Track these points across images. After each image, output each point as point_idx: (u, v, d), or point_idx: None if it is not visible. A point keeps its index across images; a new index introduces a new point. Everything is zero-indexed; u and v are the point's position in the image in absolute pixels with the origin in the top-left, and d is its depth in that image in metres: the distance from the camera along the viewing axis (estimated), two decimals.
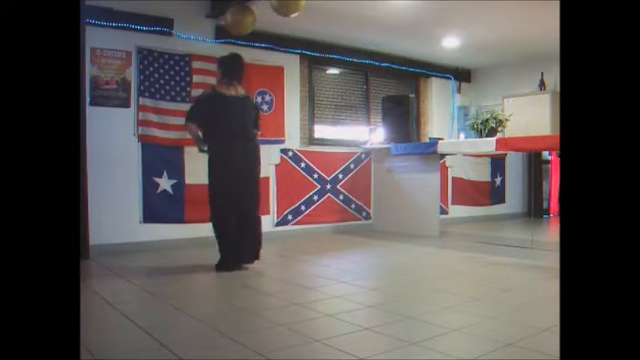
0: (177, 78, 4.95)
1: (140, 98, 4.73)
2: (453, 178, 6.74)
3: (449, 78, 7.41)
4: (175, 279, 3.57)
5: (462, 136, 7.02)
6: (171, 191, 4.90)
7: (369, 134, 6.65)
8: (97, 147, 4.42)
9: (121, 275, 3.62)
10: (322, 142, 6.16)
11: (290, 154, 5.72)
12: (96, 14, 4.43)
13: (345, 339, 2.24)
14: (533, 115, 6.47)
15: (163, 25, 4.86)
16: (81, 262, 3.97)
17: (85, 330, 2.19)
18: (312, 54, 5.98)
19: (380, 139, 6.35)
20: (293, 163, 5.74)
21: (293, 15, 4.12)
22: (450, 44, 6.13)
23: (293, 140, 5.77)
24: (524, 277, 3.64)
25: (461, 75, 7.54)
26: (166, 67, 4.89)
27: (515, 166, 7.41)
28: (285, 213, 5.67)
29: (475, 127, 5.41)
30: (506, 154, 6.92)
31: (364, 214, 6.37)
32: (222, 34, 5.13)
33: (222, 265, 3.78)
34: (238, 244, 3.82)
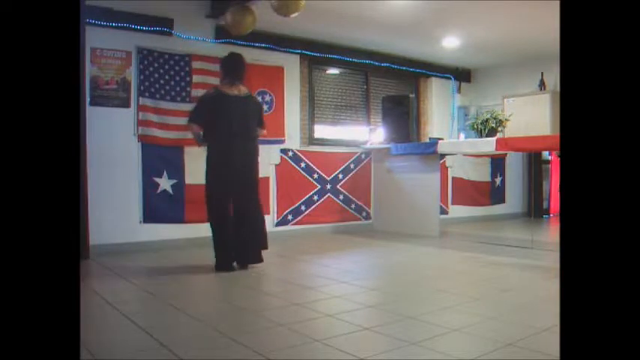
0: (177, 78, 4.95)
1: (140, 98, 4.73)
2: (453, 178, 6.74)
3: (449, 78, 7.41)
4: (175, 279, 3.57)
5: (462, 136, 7.03)
6: (171, 191, 4.90)
7: (369, 134, 6.65)
8: (97, 147, 4.42)
9: (121, 275, 3.62)
10: (322, 142, 6.16)
11: (290, 154, 5.72)
12: (96, 14, 4.43)
13: (345, 339, 2.24)
14: (533, 115, 6.47)
15: (163, 25, 4.86)
16: (81, 262, 3.97)
17: (85, 330, 2.19)
18: (312, 54, 5.98)
19: (380, 139, 6.35)
20: (293, 163, 5.74)
21: (293, 15, 4.12)
22: (450, 44, 6.13)
23: (293, 140, 5.77)
24: (524, 277, 3.64)
25: (461, 75, 7.54)
26: (166, 67, 4.89)
27: (515, 166, 7.41)
28: (285, 213, 5.67)
29: (475, 127, 5.41)
30: (506, 154, 6.92)
31: (364, 214, 6.37)
32: (222, 34, 5.13)
33: (220, 266, 3.78)
34: (238, 244, 3.82)
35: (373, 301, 2.97)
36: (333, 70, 6.46)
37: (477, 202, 7.01)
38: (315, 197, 5.91)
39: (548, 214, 7.44)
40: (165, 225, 4.88)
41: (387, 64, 6.69)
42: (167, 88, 4.88)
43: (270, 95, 5.57)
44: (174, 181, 4.92)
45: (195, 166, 4.99)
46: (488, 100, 7.21)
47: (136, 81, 4.72)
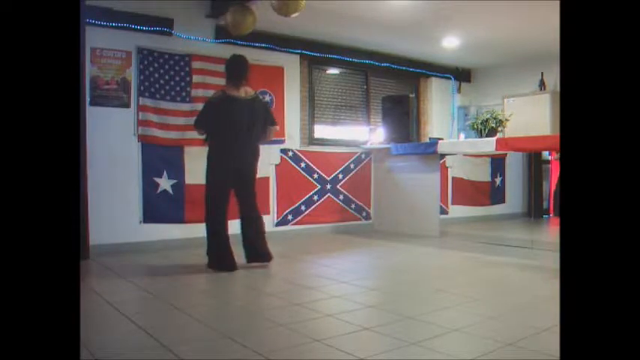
0: (177, 78, 4.95)
1: (140, 98, 4.73)
2: (453, 178, 6.74)
3: (449, 78, 7.41)
4: (175, 279, 3.57)
5: (462, 136, 7.02)
6: (171, 191, 4.90)
7: (369, 134, 6.65)
8: (97, 147, 4.42)
9: (121, 275, 3.62)
10: (322, 142, 6.16)
11: (290, 154, 5.72)
12: (96, 14, 4.43)
13: (345, 339, 2.24)
14: (533, 115, 6.47)
15: (163, 25, 4.86)
16: (81, 262, 3.97)
17: (85, 330, 2.19)
18: (312, 54, 5.98)
19: (380, 139, 6.35)
20: (293, 163, 5.74)
21: (293, 15, 4.12)
22: (450, 44, 6.13)
23: (293, 140, 5.77)
24: (524, 277, 3.64)
25: (461, 75, 7.54)
26: (166, 67, 4.89)
27: (515, 166, 7.41)
28: (285, 213, 5.67)
29: (475, 127, 5.41)
30: (506, 154, 6.92)
31: (364, 214, 6.37)
32: (222, 34, 5.13)
33: (212, 265, 3.81)
34: (248, 244, 3.89)
35: (373, 301, 2.97)
36: (333, 70, 6.46)
37: (477, 202, 7.01)
38: (315, 197, 5.91)
39: (548, 214, 7.44)
40: (165, 225, 4.87)
41: (387, 64, 6.69)
42: (167, 88, 4.88)
43: (270, 95, 5.57)
44: (174, 181, 4.92)
45: (195, 166, 4.99)
46: (488, 100, 7.21)
47: (136, 81, 4.72)
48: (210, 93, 5.06)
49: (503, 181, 7.27)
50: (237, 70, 3.93)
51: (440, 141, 5.60)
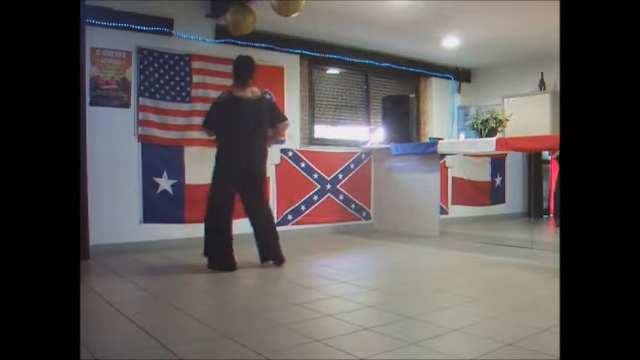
0: (177, 78, 4.95)
1: (140, 98, 4.73)
2: (453, 178, 6.74)
3: (449, 78, 7.41)
4: (175, 279, 3.57)
5: (462, 136, 7.03)
6: (171, 191, 4.90)
7: (369, 134, 6.65)
8: (97, 147, 4.42)
9: (121, 275, 3.62)
10: (322, 142, 6.16)
11: (290, 154, 5.72)
12: (96, 14, 4.43)
13: (345, 339, 2.24)
14: (533, 115, 6.47)
15: (163, 25, 4.86)
16: (81, 262, 3.97)
17: (85, 330, 2.19)
18: (312, 54, 5.98)
19: (380, 139, 6.35)
20: (293, 163, 5.74)
21: (293, 15, 4.12)
22: (450, 44, 6.13)
23: (293, 140, 5.77)
24: (524, 277, 3.64)
25: (461, 75, 7.54)
26: (166, 67, 4.89)
27: (515, 166, 7.41)
28: (285, 213, 5.67)
29: (475, 127, 5.41)
30: (506, 154, 6.92)
31: (364, 214, 6.37)
32: (222, 34, 5.13)
33: (212, 264, 3.82)
34: (262, 245, 3.94)
35: (373, 301, 2.97)
36: (333, 70, 6.46)
37: (477, 202, 7.01)
38: (315, 197, 5.91)
39: (548, 214, 7.44)
40: (165, 225, 4.87)
41: (387, 64, 6.69)
42: (167, 88, 4.88)
43: (270, 95, 5.56)
44: (174, 181, 4.92)
45: (195, 166, 5.00)
46: (488, 100, 7.21)
47: (136, 81, 4.72)
48: (210, 93, 5.09)
49: (503, 181, 7.27)
50: (243, 70, 3.97)
51: (440, 141, 5.60)
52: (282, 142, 5.65)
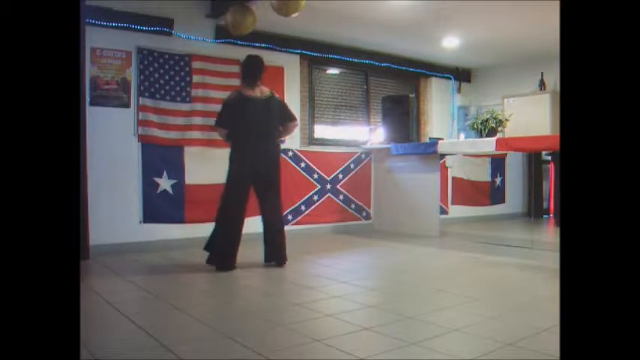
0: (177, 78, 4.95)
1: (140, 98, 4.73)
2: (453, 178, 6.74)
3: (449, 78, 7.41)
4: (175, 279, 3.57)
5: (462, 136, 7.02)
6: (171, 191, 4.90)
7: (369, 134, 6.65)
8: (97, 147, 4.42)
9: (121, 275, 3.62)
10: (322, 142, 6.16)
11: (290, 154, 5.71)
12: (96, 14, 4.43)
13: (345, 339, 2.24)
14: (533, 115, 6.47)
15: (163, 25, 4.86)
16: (81, 262, 3.97)
17: (85, 330, 2.19)
18: (312, 54, 5.98)
19: (380, 139, 6.34)
20: (293, 163, 5.74)
21: (293, 15, 4.12)
22: (450, 44, 6.13)
23: (293, 140, 5.76)
24: (524, 277, 3.64)
25: (461, 75, 7.54)
26: (166, 67, 4.89)
27: (515, 166, 7.41)
28: (285, 213, 5.66)
29: (475, 127, 5.41)
30: (506, 154, 6.92)
31: (364, 214, 6.36)
32: (222, 34, 5.13)
33: (212, 261, 3.84)
34: (270, 245, 3.96)
35: (373, 301, 2.97)
36: (333, 70, 6.46)
37: (477, 202, 7.01)
38: (315, 197, 5.91)
39: (548, 214, 7.44)
40: (165, 225, 4.87)
41: (387, 64, 6.69)
42: (167, 88, 4.88)
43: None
44: (174, 181, 4.92)
45: (196, 166, 5.00)
46: (488, 100, 7.21)
47: (136, 81, 4.72)
48: (210, 93, 5.10)
49: (503, 181, 7.27)
50: (252, 70, 3.98)
51: (440, 141, 5.60)
52: (283, 142, 5.64)
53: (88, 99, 4.43)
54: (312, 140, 6.07)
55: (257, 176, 3.91)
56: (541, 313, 2.64)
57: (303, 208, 5.80)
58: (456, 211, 6.75)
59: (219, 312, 2.79)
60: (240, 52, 5.29)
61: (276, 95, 4.13)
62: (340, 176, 6.13)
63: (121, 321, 2.53)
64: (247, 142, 3.86)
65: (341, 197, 6.13)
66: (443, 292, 3.12)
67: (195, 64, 5.03)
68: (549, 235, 6.13)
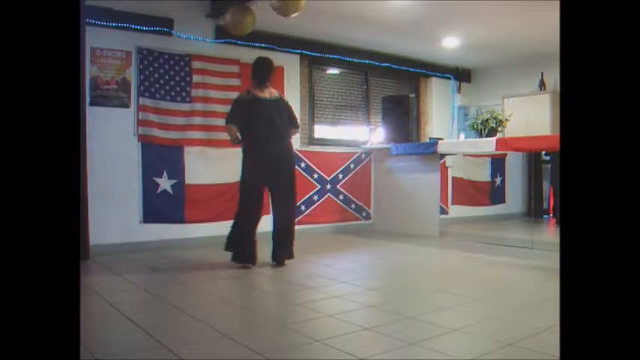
0: (178, 78, 4.95)
1: (140, 98, 4.73)
2: (453, 178, 6.73)
3: (449, 78, 7.41)
4: (175, 279, 3.57)
5: (462, 136, 7.02)
6: (171, 191, 4.90)
7: (369, 134, 6.65)
8: (97, 147, 4.42)
9: (121, 275, 3.62)
10: (322, 142, 6.16)
11: None
12: (96, 14, 4.43)
13: (345, 339, 2.24)
14: (533, 115, 6.47)
15: (163, 25, 4.86)
16: (81, 262, 3.97)
17: (85, 330, 2.19)
18: (312, 54, 5.98)
19: (380, 139, 6.34)
20: None
21: (293, 15, 4.12)
22: (450, 44, 6.13)
23: (293, 140, 5.75)
24: (524, 277, 3.64)
25: (461, 75, 7.54)
26: (166, 67, 4.89)
27: (515, 166, 7.41)
28: None
29: (475, 127, 5.41)
30: (506, 154, 6.91)
31: (364, 214, 6.36)
32: (222, 34, 5.13)
33: (238, 258, 3.89)
34: (275, 243, 3.99)
35: (373, 301, 2.97)
36: (333, 70, 6.46)
37: (477, 202, 7.00)
38: (315, 197, 5.91)
39: (548, 214, 7.44)
40: (165, 225, 4.87)
41: (387, 64, 6.69)
42: (167, 88, 4.88)
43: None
44: (174, 181, 4.92)
45: (195, 166, 5.00)
46: (488, 100, 7.20)
47: (136, 81, 4.72)
48: (210, 93, 5.10)
49: (503, 181, 7.26)
50: (262, 71, 4.02)
51: (440, 141, 5.60)
52: None
53: (88, 99, 4.43)
54: (312, 140, 6.07)
55: (272, 175, 3.95)
56: (541, 313, 2.64)
57: (303, 208, 5.79)
58: (456, 211, 6.74)
59: (219, 312, 2.79)
60: (240, 52, 5.31)
61: (285, 98, 4.18)
62: (340, 176, 6.13)
63: (121, 321, 2.53)
64: (261, 141, 3.89)
65: (341, 197, 6.13)
66: (443, 292, 3.12)
67: (195, 64, 5.03)
68: (549, 235, 6.13)
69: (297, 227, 5.63)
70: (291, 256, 4.02)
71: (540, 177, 7.35)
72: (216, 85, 5.14)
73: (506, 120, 5.49)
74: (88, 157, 4.30)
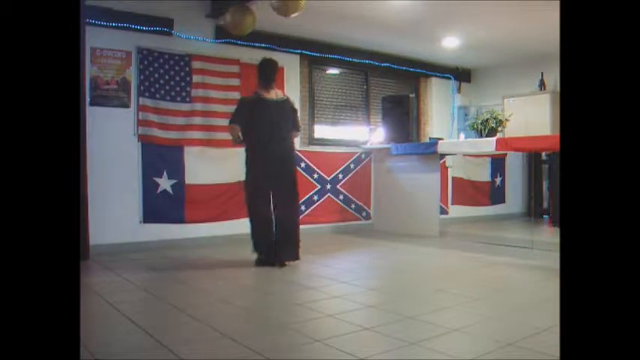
0: (178, 78, 4.95)
1: (140, 98, 4.73)
2: (453, 178, 6.73)
3: (449, 78, 7.41)
4: (175, 279, 3.57)
5: (462, 136, 7.02)
6: (171, 191, 4.90)
7: (369, 134, 6.65)
8: (97, 147, 4.42)
9: (121, 275, 3.62)
10: (322, 142, 6.16)
11: None
12: (96, 14, 4.43)
13: (345, 339, 2.24)
14: (533, 115, 6.47)
15: (163, 25, 4.86)
16: (81, 262, 3.97)
17: (85, 330, 2.19)
18: (312, 54, 5.98)
19: (380, 139, 6.34)
20: None
21: (293, 15, 4.12)
22: (450, 44, 6.13)
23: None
24: (524, 277, 3.64)
25: (461, 75, 7.54)
26: (166, 67, 4.89)
27: (515, 166, 7.41)
28: None
29: (475, 127, 5.41)
30: (506, 154, 6.91)
31: (364, 214, 6.36)
32: (222, 34, 5.13)
33: (262, 261, 3.93)
34: (276, 243, 3.98)
35: (373, 301, 2.97)
36: (333, 70, 6.46)
37: (477, 202, 7.00)
38: (315, 197, 5.91)
39: (548, 214, 7.43)
40: (165, 225, 4.87)
41: (387, 64, 6.69)
42: (167, 88, 4.88)
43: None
44: (174, 181, 4.92)
45: (195, 166, 5.00)
46: (488, 100, 7.21)
47: (136, 81, 4.72)
48: (210, 93, 5.10)
49: (503, 181, 7.26)
50: (267, 72, 4.05)
51: (440, 141, 5.60)
52: None
53: (88, 99, 4.43)
54: (312, 140, 6.07)
55: (274, 177, 3.97)
56: (541, 313, 2.64)
57: (303, 208, 5.78)
58: (456, 211, 6.74)
59: (219, 312, 2.79)
60: (240, 52, 5.31)
61: (291, 100, 4.20)
62: (340, 176, 6.13)
63: (121, 321, 2.53)
64: (266, 142, 3.91)
65: (341, 197, 6.13)
66: (443, 292, 3.12)
67: (196, 64, 5.03)
68: (549, 235, 6.13)
69: None
70: (296, 257, 4.00)
71: (540, 177, 7.35)
72: (216, 85, 5.14)
73: (506, 120, 5.49)
74: (88, 157, 4.30)
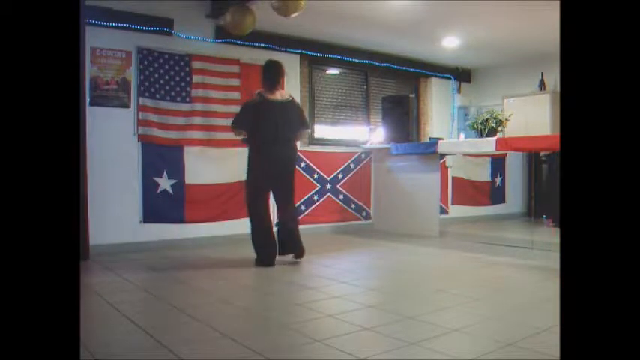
0: (178, 78, 4.95)
1: (140, 98, 4.73)
2: (453, 178, 6.73)
3: (449, 78, 7.41)
4: (175, 279, 3.57)
5: (462, 136, 7.02)
6: (171, 191, 4.90)
7: (369, 134, 6.64)
8: (97, 147, 4.42)
9: (121, 275, 3.62)
10: (322, 142, 6.16)
11: None
12: (96, 14, 4.43)
13: (345, 339, 2.24)
14: (533, 115, 6.47)
15: (163, 25, 4.86)
16: (81, 262, 3.97)
17: (85, 330, 2.19)
18: (312, 54, 5.98)
19: (380, 139, 6.34)
20: None
21: (293, 15, 4.12)
22: (450, 44, 6.13)
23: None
24: (524, 277, 3.64)
25: (461, 75, 7.54)
26: (166, 67, 4.89)
27: (515, 166, 7.41)
28: None
29: (475, 127, 5.41)
30: (506, 154, 6.91)
31: (364, 214, 6.36)
32: (222, 34, 5.13)
33: (261, 261, 3.96)
34: (289, 240, 4.05)
35: (373, 301, 2.97)
36: (333, 70, 6.46)
37: (477, 202, 7.00)
38: (315, 197, 5.91)
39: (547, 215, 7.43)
40: (165, 225, 4.87)
41: (387, 64, 6.69)
42: (167, 88, 4.88)
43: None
44: (174, 181, 4.92)
45: (195, 166, 5.00)
46: (488, 100, 7.21)
47: (136, 81, 4.72)
48: (210, 93, 5.10)
49: (503, 181, 7.26)
50: (272, 74, 4.07)
51: (440, 141, 5.60)
52: None
53: (88, 99, 4.43)
54: (312, 140, 6.06)
55: (275, 178, 4.01)
56: (541, 313, 2.64)
57: (303, 208, 5.79)
58: (456, 211, 6.74)
59: (219, 312, 2.79)
60: (240, 52, 5.31)
61: (296, 101, 4.22)
62: (340, 176, 6.13)
63: (121, 321, 2.53)
64: (269, 143, 3.93)
65: (341, 197, 6.13)
66: (443, 292, 3.12)
67: (196, 64, 5.03)
68: (549, 235, 6.13)
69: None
70: (303, 253, 4.05)
71: (540, 177, 7.35)
72: (216, 85, 5.14)
73: (506, 120, 5.49)
74: (88, 157, 4.30)
